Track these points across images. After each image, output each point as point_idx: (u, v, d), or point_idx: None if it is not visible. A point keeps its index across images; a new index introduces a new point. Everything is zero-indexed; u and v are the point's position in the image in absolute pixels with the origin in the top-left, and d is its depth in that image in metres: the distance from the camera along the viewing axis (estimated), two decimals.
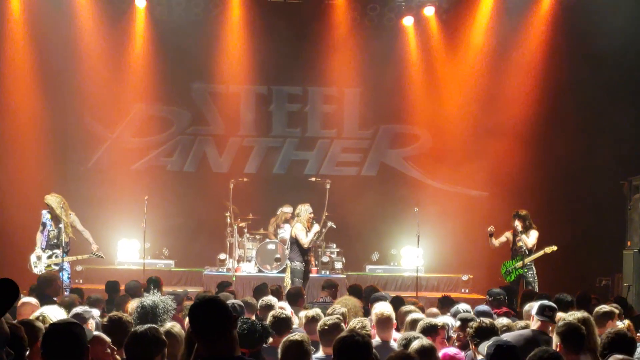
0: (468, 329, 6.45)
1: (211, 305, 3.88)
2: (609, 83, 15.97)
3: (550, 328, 7.17)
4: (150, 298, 6.29)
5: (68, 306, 7.32)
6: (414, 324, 6.75)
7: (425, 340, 5.55)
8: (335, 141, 17.67)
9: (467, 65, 17.00)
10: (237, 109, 17.47)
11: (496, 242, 13.84)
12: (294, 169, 17.51)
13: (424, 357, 5.34)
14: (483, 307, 8.59)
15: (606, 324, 7.46)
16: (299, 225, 12.93)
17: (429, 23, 16.99)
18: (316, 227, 13.16)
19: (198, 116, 17.43)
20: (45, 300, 8.03)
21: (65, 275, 12.62)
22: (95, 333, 5.22)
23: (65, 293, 11.43)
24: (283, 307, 7.96)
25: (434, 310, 8.49)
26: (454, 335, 7.07)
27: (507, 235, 13.69)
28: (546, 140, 16.54)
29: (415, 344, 5.45)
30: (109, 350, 5.12)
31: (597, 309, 7.78)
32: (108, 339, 5.19)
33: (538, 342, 6.70)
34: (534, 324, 7.11)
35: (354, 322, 6.41)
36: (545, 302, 7.26)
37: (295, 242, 12.92)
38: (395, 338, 7.21)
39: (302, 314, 8.13)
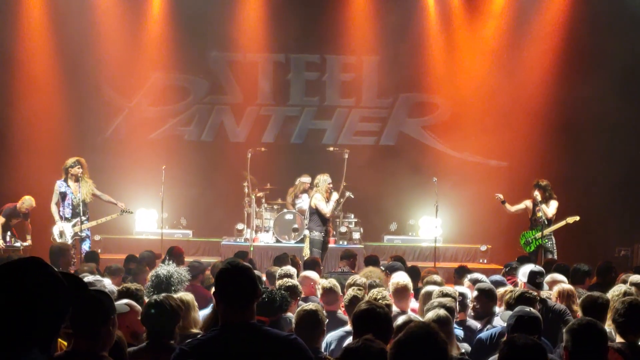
0: (507, 296, 6.38)
1: (242, 273, 3.84)
2: (633, 53, 15.70)
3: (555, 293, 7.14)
4: (165, 268, 6.32)
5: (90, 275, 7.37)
6: (428, 295, 6.69)
7: (441, 310, 5.49)
8: (354, 110, 17.55)
9: (487, 32, 16.79)
10: (254, 77, 17.37)
11: (512, 208, 13.71)
12: (312, 138, 17.44)
13: (440, 326, 5.28)
14: (497, 277, 8.52)
15: None
16: (318, 195, 12.87)
17: None
18: (335, 196, 13.10)
19: (215, 85, 17.37)
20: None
21: (87, 244, 12.58)
22: (127, 301, 5.21)
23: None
24: (308, 276, 8.00)
25: (436, 278, 8.31)
26: (472, 305, 7.01)
27: (527, 203, 13.56)
28: (566, 110, 16.33)
29: (430, 314, 5.40)
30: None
31: (632, 279, 7.67)
32: (139, 308, 5.19)
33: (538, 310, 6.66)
34: None
35: (374, 292, 6.36)
36: (534, 267, 7.19)
37: (315, 212, 12.86)
38: (413, 308, 7.18)
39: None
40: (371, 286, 7.47)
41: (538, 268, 7.20)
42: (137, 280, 8.37)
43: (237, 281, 3.80)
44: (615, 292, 6.36)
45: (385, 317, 4.70)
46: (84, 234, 12.54)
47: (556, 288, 7.30)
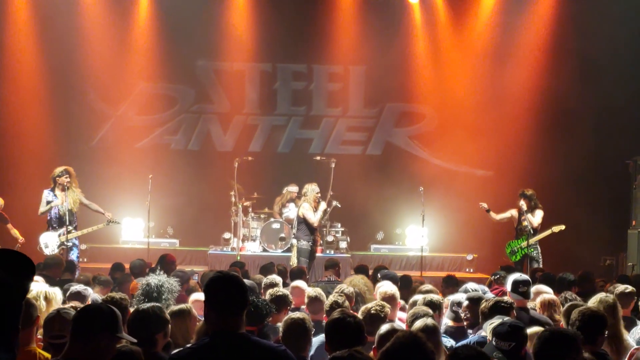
0: (483, 303, 6.39)
1: (232, 282, 3.86)
2: (618, 60, 15.79)
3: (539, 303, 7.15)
4: (157, 277, 6.32)
5: (86, 285, 7.34)
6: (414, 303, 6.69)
7: (429, 320, 5.49)
8: (341, 120, 17.58)
9: (474, 42, 16.88)
10: (241, 86, 17.39)
11: (497, 216, 13.74)
12: (299, 147, 17.45)
13: (428, 336, 5.28)
14: (482, 287, 8.52)
15: (630, 304, 7.39)
16: (306, 204, 12.86)
17: None
18: (323, 205, 13.09)
19: (202, 94, 17.36)
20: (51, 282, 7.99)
21: (74, 254, 12.45)
22: None
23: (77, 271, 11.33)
24: (300, 286, 7.99)
25: (429, 287, 8.33)
26: (463, 315, 7.01)
27: (512, 212, 13.59)
28: (552, 119, 16.43)
29: (418, 323, 5.40)
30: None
31: (619, 289, 7.68)
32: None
33: (521, 320, 6.67)
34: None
35: (373, 304, 6.33)
36: (519, 276, 7.21)
37: (302, 221, 12.85)
38: (401, 317, 7.17)
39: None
40: (358, 295, 7.46)
41: (522, 277, 7.20)
42: (122, 290, 8.34)
43: (228, 290, 3.82)
44: (593, 300, 6.36)
45: (356, 326, 4.71)
46: (70, 244, 12.42)
47: (539, 299, 7.32)
